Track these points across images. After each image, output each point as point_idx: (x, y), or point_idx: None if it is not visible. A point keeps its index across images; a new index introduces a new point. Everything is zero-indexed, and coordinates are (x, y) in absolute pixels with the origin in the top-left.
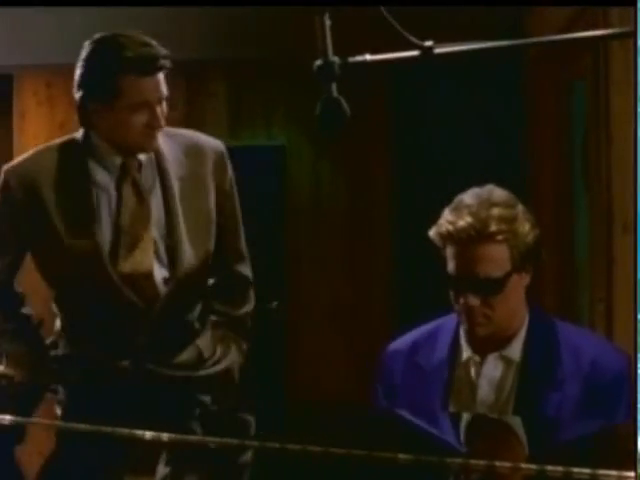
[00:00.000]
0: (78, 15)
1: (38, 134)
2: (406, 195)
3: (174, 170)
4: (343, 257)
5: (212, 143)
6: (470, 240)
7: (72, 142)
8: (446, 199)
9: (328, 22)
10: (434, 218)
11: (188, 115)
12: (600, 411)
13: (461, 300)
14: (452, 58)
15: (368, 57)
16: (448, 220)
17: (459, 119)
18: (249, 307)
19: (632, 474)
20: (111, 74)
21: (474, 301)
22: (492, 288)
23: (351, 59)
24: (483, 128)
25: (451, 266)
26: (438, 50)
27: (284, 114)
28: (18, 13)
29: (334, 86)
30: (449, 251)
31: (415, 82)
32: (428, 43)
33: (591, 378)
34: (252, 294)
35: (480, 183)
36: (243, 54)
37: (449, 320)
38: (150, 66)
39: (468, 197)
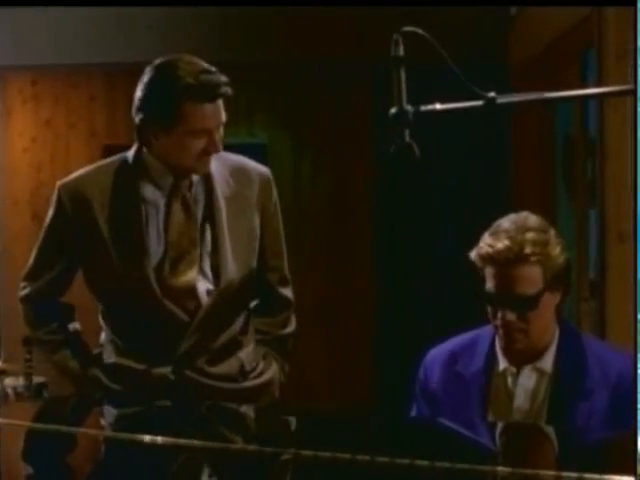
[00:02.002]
0: (64, 16)
1: (23, 131)
2: (387, 192)
3: (221, 189)
4: (324, 254)
5: (259, 168)
6: (508, 261)
7: (124, 160)
8: (427, 197)
9: (403, 75)
10: (414, 216)
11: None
12: (627, 419)
13: (499, 315)
14: (436, 71)
15: (438, 106)
16: (488, 243)
17: (441, 123)
18: (291, 329)
19: (632, 479)
20: (172, 100)
21: (511, 316)
22: (527, 305)
23: (423, 108)
24: (465, 130)
25: (490, 285)
26: (500, 100)
27: (266, 113)
28: (4, 14)
29: (407, 132)
30: (488, 271)
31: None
32: (491, 94)
33: (618, 388)
34: (293, 317)
35: (460, 182)
36: (227, 56)
37: (485, 331)
38: (211, 93)
39: (506, 222)
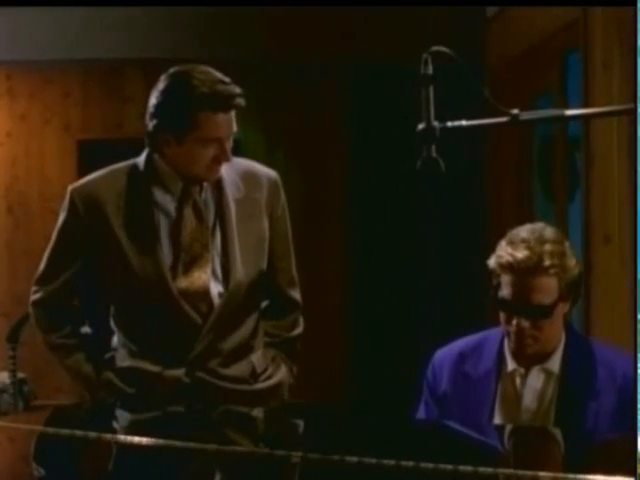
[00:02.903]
0: (40, 12)
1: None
2: (360, 188)
3: (231, 193)
4: (297, 252)
5: (267, 172)
6: (527, 271)
7: (134, 165)
8: (398, 195)
9: (432, 93)
10: (386, 213)
11: (145, 108)
12: (628, 420)
13: (513, 322)
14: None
15: (464, 122)
16: (507, 252)
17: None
18: (299, 330)
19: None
20: (187, 109)
21: (525, 323)
22: (542, 313)
23: (450, 124)
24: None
25: (507, 292)
26: (524, 117)
27: (242, 110)
28: None
29: (433, 147)
30: (506, 279)
31: (372, 79)
32: (515, 111)
33: (624, 389)
34: (301, 319)
35: (435, 177)
36: (203, 54)
37: (493, 333)
38: (226, 104)
39: (523, 232)
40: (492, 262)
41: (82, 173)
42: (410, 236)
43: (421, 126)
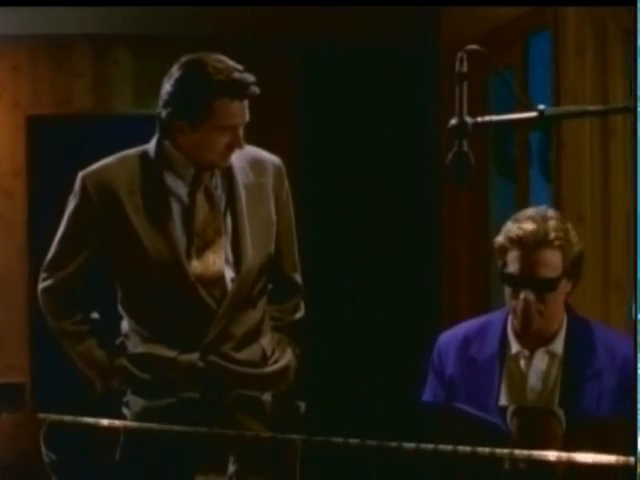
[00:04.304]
0: None
1: None
2: (309, 179)
3: (241, 178)
4: None
5: (272, 158)
6: (535, 244)
7: (145, 152)
8: (348, 186)
9: (465, 89)
10: (337, 200)
11: (95, 83)
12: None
13: (521, 295)
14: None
15: (494, 117)
16: (516, 227)
17: (368, 109)
18: (301, 314)
19: (632, 459)
20: (204, 97)
21: (531, 296)
22: (547, 287)
23: (480, 119)
24: (391, 113)
25: (514, 267)
26: (548, 112)
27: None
28: None
29: (465, 142)
30: (513, 254)
31: (323, 64)
32: (541, 107)
33: (624, 371)
34: (302, 303)
35: (388, 163)
36: (155, 30)
37: (496, 316)
38: (242, 91)
39: (529, 211)
40: (500, 238)
41: (31, 149)
42: (361, 228)
43: (453, 121)
